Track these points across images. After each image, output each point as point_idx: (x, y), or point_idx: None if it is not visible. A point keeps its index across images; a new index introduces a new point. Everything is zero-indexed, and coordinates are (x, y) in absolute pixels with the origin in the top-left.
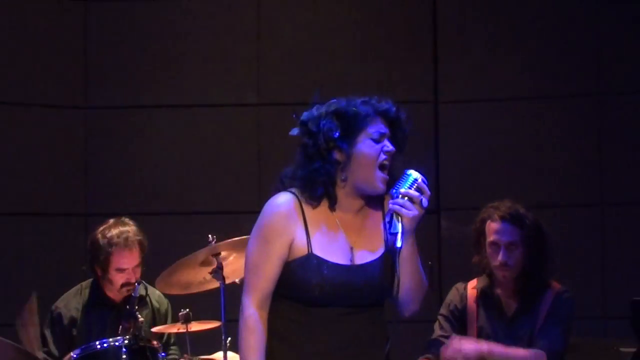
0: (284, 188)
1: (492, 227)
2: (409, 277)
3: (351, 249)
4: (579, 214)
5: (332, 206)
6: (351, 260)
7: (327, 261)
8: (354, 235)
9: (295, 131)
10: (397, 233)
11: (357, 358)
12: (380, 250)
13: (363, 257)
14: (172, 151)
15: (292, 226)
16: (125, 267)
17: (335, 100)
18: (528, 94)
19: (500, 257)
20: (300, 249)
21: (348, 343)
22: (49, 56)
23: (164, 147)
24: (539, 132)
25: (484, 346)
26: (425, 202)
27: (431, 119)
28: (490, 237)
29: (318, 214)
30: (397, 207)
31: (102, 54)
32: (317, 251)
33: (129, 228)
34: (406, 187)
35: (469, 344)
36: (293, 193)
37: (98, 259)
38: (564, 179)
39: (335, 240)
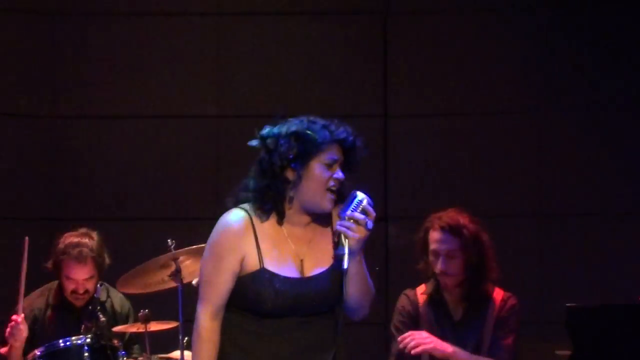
0: (237, 202)
1: (433, 236)
2: (357, 290)
3: (301, 261)
4: (518, 223)
5: (281, 220)
6: (301, 273)
7: (278, 275)
8: (304, 247)
9: (254, 142)
10: (343, 254)
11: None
12: (329, 261)
13: (312, 269)
14: (135, 160)
15: (244, 242)
16: (72, 277)
17: (297, 120)
18: (472, 109)
19: (439, 265)
20: (252, 264)
21: (300, 350)
22: (17, 68)
23: (127, 155)
24: (482, 146)
25: (449, 348)
26: (369, 224)
27: (381, 132)
28: (432, 246)
29: (268, 228)
30: (343, 229)
31: (68, 66)
32: (269, 265)
33: (88, 242)
34: (352, 210)
35: (439, 342)
36: (245, 210)
37: (54, 260)
38: (504, 190)
39: (285, 253)
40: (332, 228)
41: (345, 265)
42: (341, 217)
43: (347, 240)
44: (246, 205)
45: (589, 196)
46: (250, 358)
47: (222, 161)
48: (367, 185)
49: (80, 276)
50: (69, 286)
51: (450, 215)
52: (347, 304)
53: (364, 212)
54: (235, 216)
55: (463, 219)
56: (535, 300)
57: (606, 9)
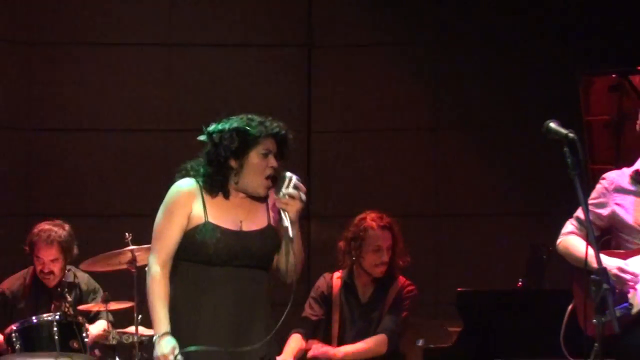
0: (188, 176)
1: (376, 234)
2: (296, 253)
3: (240, 221)
4: (417, 222)
5: (226, 196)
6: (240, 228)
7: (220, 226)
8: (243, 213)
9: (202, 137)
10: (287, 227)
11: (244, 308)
12: (263, 225)
13: (249, 227)
14: (99, 166)
15: (192, 201)
16: (41, 257)
17: (237, 118)
18: (380, 126)
19: (383, 258)
20: (199, 218)
21: (237, 296)
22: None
23: (93, 163)
24: (388, 156)
25: (339, 352)
26: (303, 196)
27: (304, 145)
28: (376, 242)
29: (215, 197)
30: (283, 205)
31: (41, 87)
32: (212, 219)
33: (58, 230)
34: (286, 187)
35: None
36: (196, 180)
37: (28, 242)
38: (406, 194)
39: (227, 213)
40: (267, 202)
41: (291, 234)
42: (278, 196)
43: (287, 214)
44: (198, 179)
45: (475, 200)
46: (195, 307)
47: (171, 168)
48: None
49: (47, 257)
50: (38, 266)
51: (383, 216)
52: (285, 267)
53: (295, 187)
54: (187, 181)
55: (392, 219)
56: (431, 286)
57: (490, 45)
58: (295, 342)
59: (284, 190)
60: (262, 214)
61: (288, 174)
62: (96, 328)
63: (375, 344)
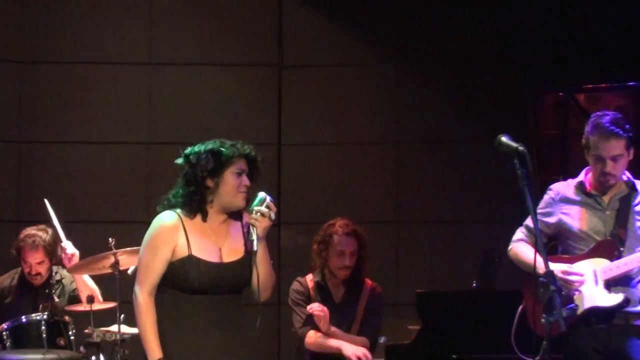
0: (168, 207)
1: (340, 240)
2: (263, 272)
3: (219, 250)
4: (380, 228)
5: (204, 218)
6: (220, 259)
7: (203, 260)
8: (222, 239)
9: (180, 160)
10: (253, 240)
11: (225, 331)
12: (241, 252)
13: (229, 256)
14: (84, 175)
15: (176, 234)
16: (28, 260)
17: (211, 141)
18: (347, 140)
19: (346, 262)
20: (183, 252)
21: (218, 320)
22: None
23: (78, 173)
24: (354, 168)
25: (334, 343)
26: (272, 216)
27: (275, 157)
28: (338, 247)
29: (195, 225)
30: (252, 220)
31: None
32: (196, 252)
33: (42, 234)
34: (258, 205)
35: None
36: (175, 211)
37: (16, 246)
38: (370, 203)
39: (208, 243)
40: (242, 223)
41: (255, 248)
42: (249, 212)
43: (255, 229)
44: (176, 209)
45: (433, 208)
46: (178, 330)
47: (151, 178)
48: None
49: (33, 260)
50: (26, 269)
51: (349, 224)
52: (256, 287)
53: (267, 207)
54: (169, 216)
55: (357, 227)
56: (393, 287)
57: (448, 66)
58: (318, 335)
59: (256, 208)
60: (238, 237)
61: (262, 193)
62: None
63: (361, 343)
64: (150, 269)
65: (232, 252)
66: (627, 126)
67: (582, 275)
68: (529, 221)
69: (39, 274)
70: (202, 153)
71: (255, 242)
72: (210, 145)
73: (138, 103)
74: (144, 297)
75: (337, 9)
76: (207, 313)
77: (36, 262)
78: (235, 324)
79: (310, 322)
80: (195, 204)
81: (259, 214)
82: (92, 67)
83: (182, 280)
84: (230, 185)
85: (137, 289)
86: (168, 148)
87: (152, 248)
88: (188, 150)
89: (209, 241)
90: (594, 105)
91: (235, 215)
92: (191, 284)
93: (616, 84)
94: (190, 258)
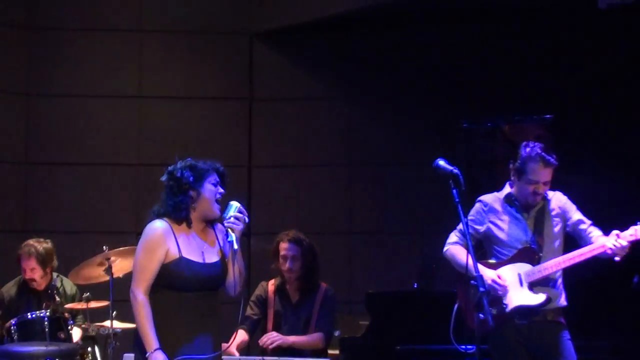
0: (157, 217)
1: (283, 246)
2: (237, 268)
3: (202, 252)
4: (334, 238)
5: (189, 225)
6: (203, 260)
7: (191, 260)
8: (203, 243)
9: (164, 177)
10: (232, 241)
11: (206, 322)
12: (218, 255)
13: (210, 258)
14: (82, 192)
15: (167, 239)
16: (23, 266)
17: (189, 159)
18: (306, 162)
19: (287, 265)
20: (174, 254)
21: (201, 313)
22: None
23: (77, 190)
24: (312, 187)
25: (290, 339)
26: (246, 219)
27: (246, 177)
28: (282, 252)
29: (182, 230)
30: (230, 224)
31: (39, 131)
32: (185, 254)
33: (39, 245)
34: (233, 212)
35: (283, 337)
36: (164, 220)
37: (17, 255)
38: (326, 215)
39: (194, 247)
40: (216, 232)
41: (236, 247)
42: (225, 219)
43: (232, 232)
44: (164, 217)
45: (379, 220)
46: (169, 324)
47: (140, 194)
48: None
49: (27, 266)
50: (23, 274)
51: (294, 232)
52: (230, 282)
53: (241, 211)
54: (160, 223)
55: (302, 235)
56: (346, 288)
57: (393, 99)
58: (240, 335)
59: (231, 213)
60: (216, 247)
61: (234, 202)
62: (76, 336)
63: (315, 339)
64: (146, 270)
65: (211, 255)
66: (555, 155)
67: (505, 286)
68: (461, 227)
69: (33, 279)
70: (183, 168)
71: (234, 242)
72: (188, 162)
73: (129, 130)
74: (141, 296)
75: (301, 51)
76: (194, 307)
77: (29, 268)
78: (216, 315)
79: (245, 322)
80: (182, 212)
81: (233, 219)
82: (89, 99)
83: (175, 279)
84: (209, 194)
85: (134, 289)
86: (155, 169)
87: (148, 251)
88: (170, 167)
89: (194, 244)
90: (517, 135)
91: (210, 224)
92: (183, 282)
93: (535, 116)
94: (181, 260)
